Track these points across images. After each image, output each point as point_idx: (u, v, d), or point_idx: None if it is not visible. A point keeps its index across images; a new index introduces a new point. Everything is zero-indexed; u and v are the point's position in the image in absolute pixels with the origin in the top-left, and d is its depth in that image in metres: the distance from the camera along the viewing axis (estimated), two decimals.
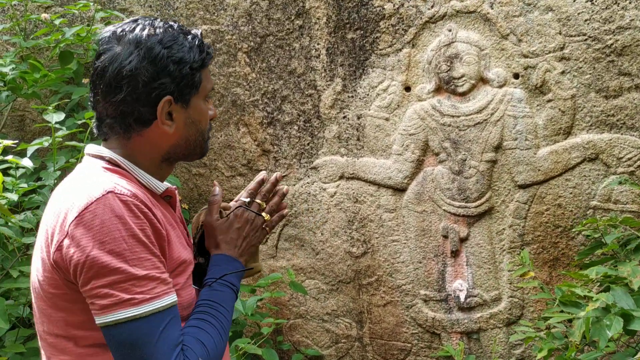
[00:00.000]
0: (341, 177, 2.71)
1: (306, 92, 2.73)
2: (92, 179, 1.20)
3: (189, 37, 1.26)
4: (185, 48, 1.23)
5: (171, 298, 1.16)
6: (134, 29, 1.24)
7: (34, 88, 2.63)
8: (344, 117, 2.69)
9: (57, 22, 2.50)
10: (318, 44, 2.69)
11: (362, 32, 2.63)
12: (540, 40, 2.40)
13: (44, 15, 2.50)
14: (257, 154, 2.83)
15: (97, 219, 1.12)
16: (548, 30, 2.39)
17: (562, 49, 2.38)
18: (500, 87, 2.47)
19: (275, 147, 2.80)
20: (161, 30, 1.23)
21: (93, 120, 1.31)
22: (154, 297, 1.13)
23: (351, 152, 2.69)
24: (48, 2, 2.83)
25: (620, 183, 2.15)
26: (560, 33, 2.38)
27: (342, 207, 2.72)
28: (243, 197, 1.41)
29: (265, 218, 1.40)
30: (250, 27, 2.75)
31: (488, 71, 2.47)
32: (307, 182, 2.76)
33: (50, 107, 2.26)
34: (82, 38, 2.63)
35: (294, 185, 2.78)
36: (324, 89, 2.70)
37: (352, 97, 2.67)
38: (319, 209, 2.75)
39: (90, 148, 1.29)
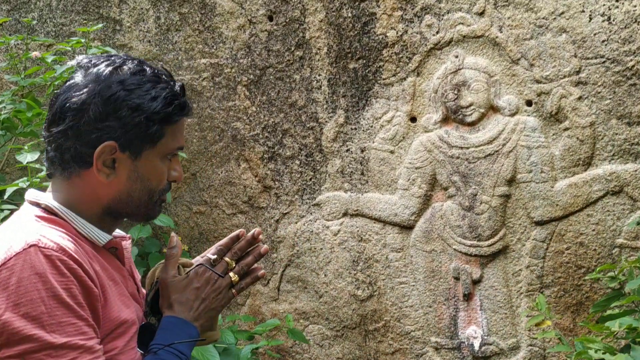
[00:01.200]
0: (345, 214, 2.54)
1: (308, 125, 2.60)
2: (19, 229, 1.08)
3: (160, 85, 1.14)
4: (147, 96, 1.12)
5: None
6: (101, 63, 1.15)
7: (31, 127, 2.57)
8: (347, 150, 2.54)
9: (49, 59, 2.45)
10: (319, 74, 2.56)
11: (364, 61, 2.49)
12: (554, 64, 2.22)
13: (34, 54, 2.46)
14: (258, 190, 2.69)
15: (13, 277, 0.99)
16: (562, 53, 2.21)
17: (578, 72, 2.19)
18: (512, 115, 2.29)
19: (276, 182, 2.66)
20: (129, 71, 1.13)
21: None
22: None
23: (355, 187, 2.53)
24: (49, 41, 2.81)
25: None
26: (575, 56, 2.19)
27: (346, 246, 2.54)
28: (210, 253, 1.24)
29: (233, 279, 1.22)
30: (249, 59, 2.66)
31: (498, 99, 2.30)
32: (310, 220, 2.61)
33: (26, 147, 2.19)
34: None
35: (296, 223, 2.63)
36: (326, 122, 2.56)
37: (355, 129, 2.52)
38: (322, 249, 2.58)
39: (29, 194, 1.18)
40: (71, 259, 1.03)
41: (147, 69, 1.15)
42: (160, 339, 1.14)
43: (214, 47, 2.72)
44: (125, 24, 2.84)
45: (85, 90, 1.10)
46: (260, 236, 1.25)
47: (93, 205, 1.14)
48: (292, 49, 2.59)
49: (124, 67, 1.14)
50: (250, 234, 1.25)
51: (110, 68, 1.13)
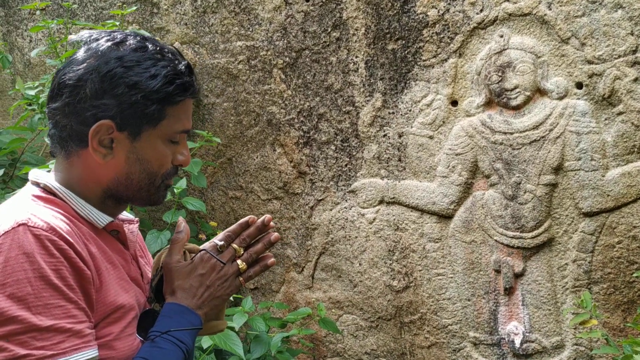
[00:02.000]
0: (381, 202, 2.45)
1: (344, 109, 2.51)
2: (13, 208, 1.04)
3: (161, 63, 1.08)
4: (146, 74, 1.07)
5: (86, 354, 0.97)
6: (102, 38, 1.10)
7: None
8: (384, 135, 2.44)
9: None
10: (356, 56, 2.47)
11: (403, 42, 2.38)
12: (608, 43, 2.05)
13: (70, 37, 2.46)
14: (293, 176, 2.63)
15: (0, 257, 0.95)
16: (617, 31, 2.03)
17: (634, 52, 2.01)
18: (561, 98, 2.13)
19: (311, 168, 2.59)
20: (130, 47, 1.08)
21: None
22: (59, 353, 0.94)
23: (392, 174, 2.43)
24: (89, 25, 2.82)
25: None
26: (632, 34, 2.01)
27: (381, 235, 2.45)
28: (217, 239, 1.19)
29: (240, 267, 1.16)
30: (285, 41, 2.59)
31: (546, 81, 2.14)
32: (345, 207, 2.53)
33: None
34: None
35: (331, 210, 2.55)
36: (363, 105, 2.47)
37: (393, 113, 2.42)
38: (357, 237, 2.50)
39: (32, 173, 1.15)
40: (62, 239, 0.99)
41: (150, 45, 1.10)
42: (160, 326, 1.09)
43: (250, 30, 2.66)
44: (162, 7, 2.82)
45: (82, 65, 1.06)
46: (272, 223, 1.19)
47: (93, 187, 1.11)
48: (329, 30, 2.51)
49: (125, 43, 1.09)
50: (260, 220, 1.19)
51: (109, 43, 1.08)
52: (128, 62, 1.06)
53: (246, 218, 1.20)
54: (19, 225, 0.98)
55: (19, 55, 3.23)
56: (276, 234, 1.20)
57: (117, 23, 2.51)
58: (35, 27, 2.67)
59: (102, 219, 1.11)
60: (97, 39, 1.09)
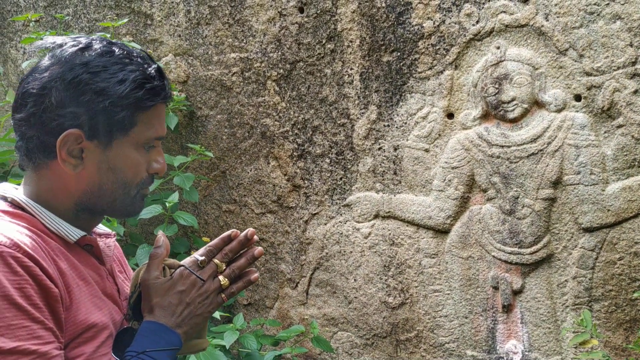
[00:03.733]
0: (376, 216, 2.40)
1: (338, 122, 2.47)
2: None
3: (129, 67, 1.04)
4: (114, 79, 1.02)
5: None
6: (66, 44, 1.05)
7: None
8: (380, 148, 2.39)
9: None
10: (351, 68, 2.43)
11: (398, 53, 2.34)
12: (607, 55, 2.00)
13: (35, 43, 2.42)
14: (287, 189, 2.59)
15: None
16: (616, 43, 1.99)
17: (634, 63, 1.97)
18: (559, 111, 2.08)
19: (306, 181, 2.55)
20: (96, 52, 1.03)
21: None
22: None
23: (387, 187, 2.38)
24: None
25: None
26: (631, 45, 1.97)
27: (377, 250, 2.40)
28: (198, 254, 1.14)
29: (222, 283, 1.11)
30: (279, 53, 2.55)
31: (543, 93, 2.10)
32: (340, 221, 2.48)
33: None
34: None
35: (326, 224, 2.50)
36: (358, 118, 2.43)
37: (388, 126, 2.37)
38: (352, 252, 2.45)
39: (3, 188, 1.10)
40: (26, 255, 0.94)
41: (117, 50, 1.05)
42: (136, 346, 1.04)
43: (244, 41, 2.62)
44: (156, 18, 2.79)
45: (46, 73, 1.01)
46: (255, 237, 1.14)
47: (64, 199, 1.06)
48: (323, 41, 2.47)
49: (91, 47, 1.04)
50: (243, 234, 1.14)
51: (74, 49, 1.03)
52: (94, 67, 1.01)
53: (228, 232, 1.15)
54: None
55: (12, 67, 3.20)
56: (260, 248, 1.15)
57: (108, 35, 2.47)
58: (27, 39, 2.64)
59: (73, 233, 1.06)
60: (61, 45, 1.04)
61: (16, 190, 1.08)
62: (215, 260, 1.13)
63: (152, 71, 1.06)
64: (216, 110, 2.70)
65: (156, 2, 2.77)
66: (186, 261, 1.13)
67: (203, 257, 1.12)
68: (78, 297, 1.00)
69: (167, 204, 2.41)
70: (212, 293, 1.11)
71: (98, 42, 1.05)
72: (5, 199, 1.06)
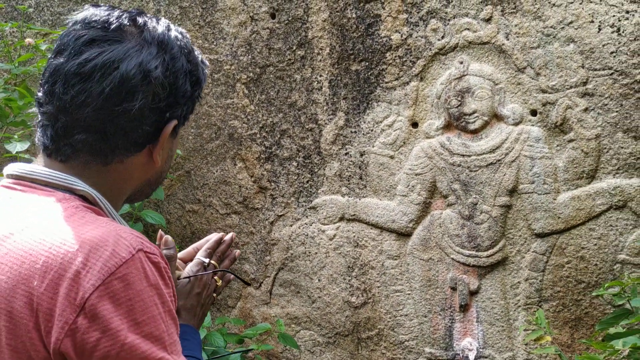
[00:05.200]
0: (341, 219, 2.49)
1: (307, 127, 2.54)
2: (95, 225, 0.86)
3: (198, 54, 1.02)
4: (200, 68, 1.01)
5: None
6: (152, 24, 0.95)
7: (22, 116, 2.50)
8: (346, 153, 2.48)
9: (43, 47, 2.38)
10: (320, 75, 2.51)
11: (367, 63, 2.44)
12: (561, 74, 2.18)
13: (27, 40, 2.39)
14: (253, 191, 2.64)
15: (130, 290, 0.81)
16: (569, 63, 2.17)
17: (585, 83, 2.15)
18: (516, 124, 2.24)
19: (272, 184, 2.60)
20: (181, 36, 0.98)
21: (38, 131, 0.96)
22: None
23: (353, 191, 2.47)
24: (45, 30, 2.74)
25: None
26: (583, 66, 2.15)
27: (341, 251, 2.49)
28: (202, 256, 1.19)
29: (218, 283, 1.20)
30: (249, 57, 2.60)
31: (502, 107, 2.25)
32: (305, 223, 2.55)
33: (16, 136, 2.12)
34: None
35: (291, 225, 2.57)
36: (326, 124, 2.51)
37: (355, 132, 2.47)
38: (316, 253, 2.53)
39: (45, 173, 0.92)
40: (168, 265, 0.90)
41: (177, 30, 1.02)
42: (191, 350, 1.06)
43: (214, 43, 2.66)
44: None
45: (156, 61, 0.92)
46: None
47: (124, 193, 0.99)
48: (294, 48, 2.54)
49: (175, 30, 0.99)
50: (229, 237, 1.23)
51: (172, 33, 0.97)
52: (188, 54, 0.97)
53: (219, 235, 1.23)
54: (138, 251, 0.84)
55: None
56: (238, 250, 1.26)
57: None
58: None
59: None
60: (149, 25, 0.95)
61: (77, 180, 0.93)
62: (213, 262, 1.20)
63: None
64: None
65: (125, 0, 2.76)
66: (194, 263, 1.19)
67: (208, 260, 1.18)
68: None
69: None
70: (212, 292, 1.19)
71: (163, 22, 0.98)
72: (71, 191, 0.92)
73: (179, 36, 0.98)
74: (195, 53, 1.01)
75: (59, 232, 0.84)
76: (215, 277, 1.20)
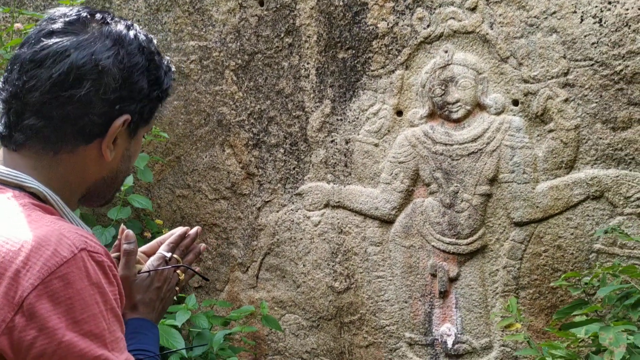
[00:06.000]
0: (326, 206, 2.53)
1: (294, 114, 2.57)
2: (39, 224, 0.87)
3: (165, 59, 1.05)
4: (162, 69, 1.02)
5: None
6: (113, 22, 0.99)
7: None
8: (332, 141, 2.52)
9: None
10: (308, 63, 2.53)
11: (353, 51, 2.46)
12: (543, 65, 2.19)
13: (16, 25, 2.42)
14: (241, 176, 2.68)
15: (70, 289, 0.82)
16: (551, 54, 2.18)
17: (566, 74, 2.16)
18: (498, 114, 2.26)
19: (260, 170, 2.64)
20: (144, 36, 1.02)
21: None
22: None
23: (338, 178, 2.51)
24: (37, 15, 2.77)
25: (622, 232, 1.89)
26: (564, 57, 2.16)
27: (326, 237, 2.53)
28: (164, 250, 1.20)
29: (181, 277, 1.20)
30: (238, 44, 2.63)
31: (485, 97, 2.27)
32: (291, 209, 2.59)
33: None
34: None
35: (278, 211, 2.61)
36: (312, 111, 2.54)
37: (341, 120, 2.50)
38: (302, 239, 2.57)
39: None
40: (113, 263, 0.90)
41: (149, 35, 1.05)
42: (142, 344, 1.07)
43: (203, 30, 2.68)
44: (114, 2, 2.80)
45: (108, 52, 0.94)
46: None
47: (77, 188, 0.99)
48: (282, 35, 2.56)
49: (134, 28, 1.01)
50: (193, 231, 1.24)
51: (131, 32, 0.99)
52: (150, 54, 0.99)
53: (183, 229, 1.24)
54: (80, 250, 0.85)
55: None
56: (203, 244, 1.26)
57: None
58: None
59: (85, 229, 1.00)
60: (109, 23, 0.98)
61: (28, 177, 0.95)
62: (176, 256, 1.21)
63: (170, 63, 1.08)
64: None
65: None
66: (156, 257, 1.19)
67: (170, 254, 1.20)
68: None
69: (122, 187, 2.45)
70: (173, 286, 1.20)
71: (131, 24, 1.01)
72: (21, 188, 0.93)
73: (141, 36, 1.00)
74: (161, 57, 1.03)
75: (3, 231, 0.86)
76: (178, 271, 1.21)
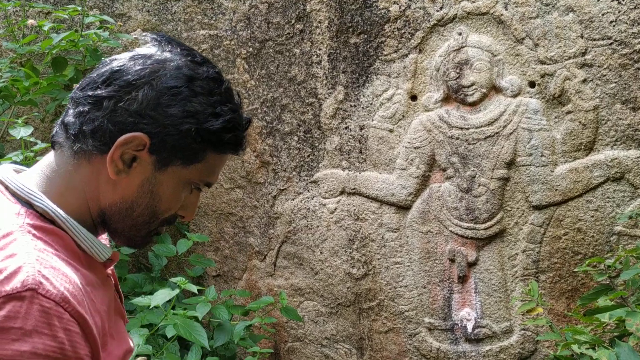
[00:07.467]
0: (342, 193, 2.52)
1: (307, 101, 2.55)
2: (11, 252, 0.83)
3: (229, 105, 0.97)
4: (210, 109, 0.94)
5: None
6: (180, 50, 0.97)
7: (29, 95, 2.55)
8: (346, 127, 2.50)
9: (46, 27, 2.41)
10: (319, 49, 2.51)
11: (365, 36, 2.43)
12: (560, 45, 2.15)
13: (30, 22, 2.42)
14: (256, 165, 2.67)
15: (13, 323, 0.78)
16: (568, 34, 2.13)
17: (583, 54, 2.12)
18: (515, 96, 2.23)
19: (274, 158, 2.63)
20: (206, 74, 0.96)
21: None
22: None
23: (353, 165, 2.50)
24: (47, 8, 2.77)
25: None
26: (582, 36, 2.12)
27: (342, 224, 2.52)
28: None
29: None
30: (249, 31, 2.60)
31: (501, 79, 2.23)
32: (307, 197, 2.59)
33: (19, 121, 2.16)
34: (75, 43, 2.54)
35: (293, 199, 2.61)
36: (326, 98, 2.52)
37: (355, 106, 2.48)
38: (318, 226, 2.57)
39: (13, 182, 0.93)
40: (74, 314, 0.83)
41: (225, 83, 0.99)
42: None
43: (214, 18, 2.66)
44: None
45: (149, 67, 0.93)
46: None
47: (92, 206, 0.96)
48: (293, 21, 2.53)
49: (202, 67, 0.96)
50: None
51: (186, 60, 0.95)
52: (198, 87, 0.94)
53: None
54: (26, 290, 0.80)
55: None
56: None
57: (80, 8, 2.47)
58: None
59: (104, 252, 0.97)
60: (173, 49, 0.97)
61: (41, 196, 0.92)
62: None
63: (245, 121, 1.01)
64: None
65: None
66: None
67: None
68: (110, 334, 0.95)
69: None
70: None
71: (210, 66, 0.98)
72: (30, 205, 0.91)
73: (199, 70, 0.95)
74: (213, 99, 0.95)
75: None
76: None
